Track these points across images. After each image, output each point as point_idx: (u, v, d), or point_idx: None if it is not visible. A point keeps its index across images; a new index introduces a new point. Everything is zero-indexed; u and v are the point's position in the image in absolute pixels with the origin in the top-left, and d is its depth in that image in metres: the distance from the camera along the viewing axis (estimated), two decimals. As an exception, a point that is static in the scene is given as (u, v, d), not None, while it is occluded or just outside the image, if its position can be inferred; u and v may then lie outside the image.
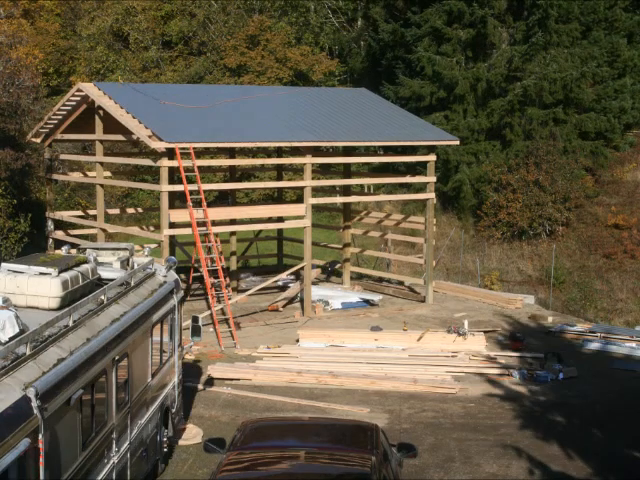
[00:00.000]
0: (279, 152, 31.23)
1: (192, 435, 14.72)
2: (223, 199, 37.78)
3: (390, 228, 32.71)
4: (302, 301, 24.81)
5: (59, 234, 27.16)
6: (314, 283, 27.07)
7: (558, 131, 37.04)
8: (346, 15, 52.47)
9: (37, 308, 10.11)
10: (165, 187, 22.26)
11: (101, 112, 24.25)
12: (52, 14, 48.49)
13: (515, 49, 37.31)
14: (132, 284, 11.92)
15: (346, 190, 29.73)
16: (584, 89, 37.19)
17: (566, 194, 35.32)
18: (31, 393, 7.75)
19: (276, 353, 20.16)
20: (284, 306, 25.31)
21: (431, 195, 26.56)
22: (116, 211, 30.28)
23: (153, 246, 23.01)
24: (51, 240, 27.34)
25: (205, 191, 21.14)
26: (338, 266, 29.89)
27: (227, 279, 25.39)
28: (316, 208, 31.29)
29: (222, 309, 22.72)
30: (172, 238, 25.68)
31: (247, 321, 23.59)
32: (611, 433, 15.42)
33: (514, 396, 17.54)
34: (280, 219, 28.81)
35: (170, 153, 22.79)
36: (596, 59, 37.26)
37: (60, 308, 9.94)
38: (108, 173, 28.12)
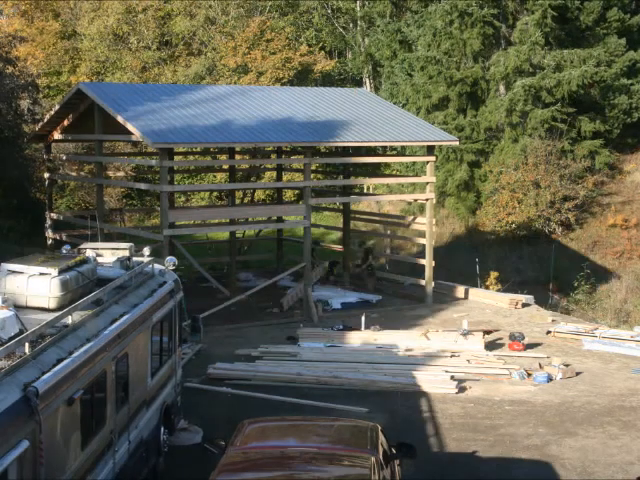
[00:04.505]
0: (279, 152, 31.25)
1: (192, 435, 14.72)
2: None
3: (390, 228, 32.72)
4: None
5: (59, 234, 27.18)
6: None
7: (558, 131, 37.06)
8: (346, 15, 52.47)
9: (37, 308, 10.12)
10: (165, 187, 22.27)
11: (101, 112, 24.25)
12: (52, 14, 48.51)
13: (516, 49, 37.34)
14: (132, 284, 11.92)
15: (346, 190, 29.75)
16: (584, 89, 37.20)
17: (566, 194, 35.35)
18: (31, 393, 7.76)
19: (276, 353, 20.16)
20: (284, 308, 25.32)
21: (431, 195, 26.57)
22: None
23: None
24: (51, 240, 27.33)
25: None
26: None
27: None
28: (316, 208, 31.32)
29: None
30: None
31: (247, 321, 23.60)
32: (611, 433, 15.44)
33: (513, 396, 17.55)
34: (280, 219, 28.84)
35: (170, 153, 22.80)
36: (596, 59, 37.26)
37: (60, 308, 9.95)
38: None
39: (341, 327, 22.53)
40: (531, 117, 37.02)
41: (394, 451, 10.15)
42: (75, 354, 9.04)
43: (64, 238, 25.84)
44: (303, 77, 44.38)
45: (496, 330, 22.74)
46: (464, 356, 19.93)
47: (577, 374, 19.01)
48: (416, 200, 34.66)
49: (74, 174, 30.47)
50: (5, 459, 7.11)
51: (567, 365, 19.35)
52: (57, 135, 27.11)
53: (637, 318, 29.31)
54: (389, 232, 34.04)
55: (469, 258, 34.21)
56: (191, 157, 32.75)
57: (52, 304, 10.16)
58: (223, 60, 44.89)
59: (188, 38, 48.33)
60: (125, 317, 10.90)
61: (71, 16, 48.89)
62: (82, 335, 9.55)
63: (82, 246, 13.41)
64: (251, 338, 21.85)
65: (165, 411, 13.17)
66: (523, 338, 21.22)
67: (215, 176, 40.14)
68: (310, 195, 24.61)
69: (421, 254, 30.46)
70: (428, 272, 26.39)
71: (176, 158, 28.79)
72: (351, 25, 52.55)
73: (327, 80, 46.61)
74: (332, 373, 18.43)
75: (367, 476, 8.39)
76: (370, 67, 49.78)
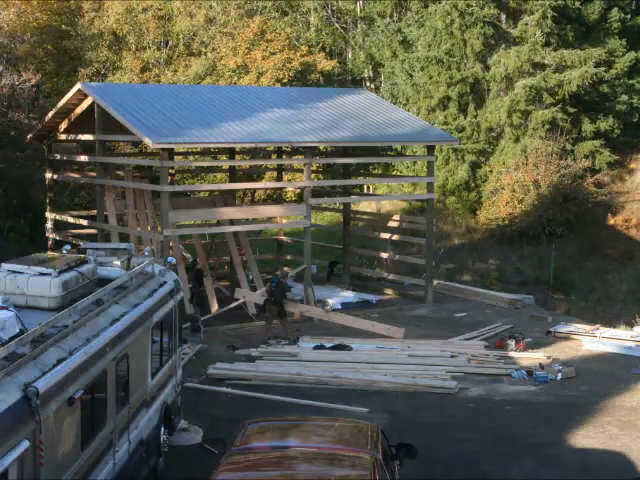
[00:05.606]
0: (279, 152, 31.24)
1: (192, 435, 14.72)
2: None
3: (390, 228, 32.70)
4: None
5: (59, 234, 27.15)
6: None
7: (558, 131, 37.05)
8: (347, 15, 52.45)
9: (37, 308, 10.11)
10: (165, 187, 22.27)
11: (101, 112, 24.24)
12: (53, 13, 48.45)
13: (517, 49, 37.33)
14: (132, 284, 11.91)
15: (346, 190, 29.73)
16: (584, 89, 37.19)
17: (566, 194, 35.33)
18: (31, 393, 7.76)
19: (276, 353, 20.16)
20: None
21: (431, 195, 26.59)
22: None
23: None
24: (51, 240, 27.31)
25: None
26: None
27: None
28: (316, 208, 31.30)
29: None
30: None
31: (247, 321, 23.60)
32: (611, 433, 15.43)
33: (513, 396, 17.55)
34: (280, 219, 28.84)
35: (170, 153, 22.80)
36: (596, 59, 37.24)
37: (60, 308, 9.94)
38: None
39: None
40: (532, 118, 37.01)
41: (394, 451, 10.15)
42: (75, 354, 9.04)
43: (64, 238, 25.83)
44: (303, 77, 44.36)
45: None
46: (464, 356, 19.94)
47: (577, 374, 19.01)
48: (416, 200, 34.72)
49: (74, 175, 30.43)
50: (5, 459, 7.11)
51: (567, 365, 19.34)
52: (57, 135, 27.10)
53: (637, 318, 29.30)
54: (389, 232, 34.00)
55: (469, 258, 34.23)
56: (191, 157, 32.74)
57: (52, 304, 10.15)
58: (223, 60, 44.86)
59: (188, 38, 48.31)
60: (125, 317, 10.90)
61: (71, 16, 48.84)
62: (82, 335, 9.55)
63: (82, 246, 13.41)
64: (251, 338, 21.85)
65: (165, 411, 13.17)
66: (523, 338, 21.22)
67: (215, 176, 40.13)
68: (310, 195, 24.61)
69: (421, 254, 30.47)
70: (428, 272, 26.40)
71: (176, 158, 28.79)
72: (351, 25, 52.54)
73: (327, 80, 46.58)
74: (332, 373, 18.43)
75: (367, 476, 8.39)
76: (370, 67, 49.78)
